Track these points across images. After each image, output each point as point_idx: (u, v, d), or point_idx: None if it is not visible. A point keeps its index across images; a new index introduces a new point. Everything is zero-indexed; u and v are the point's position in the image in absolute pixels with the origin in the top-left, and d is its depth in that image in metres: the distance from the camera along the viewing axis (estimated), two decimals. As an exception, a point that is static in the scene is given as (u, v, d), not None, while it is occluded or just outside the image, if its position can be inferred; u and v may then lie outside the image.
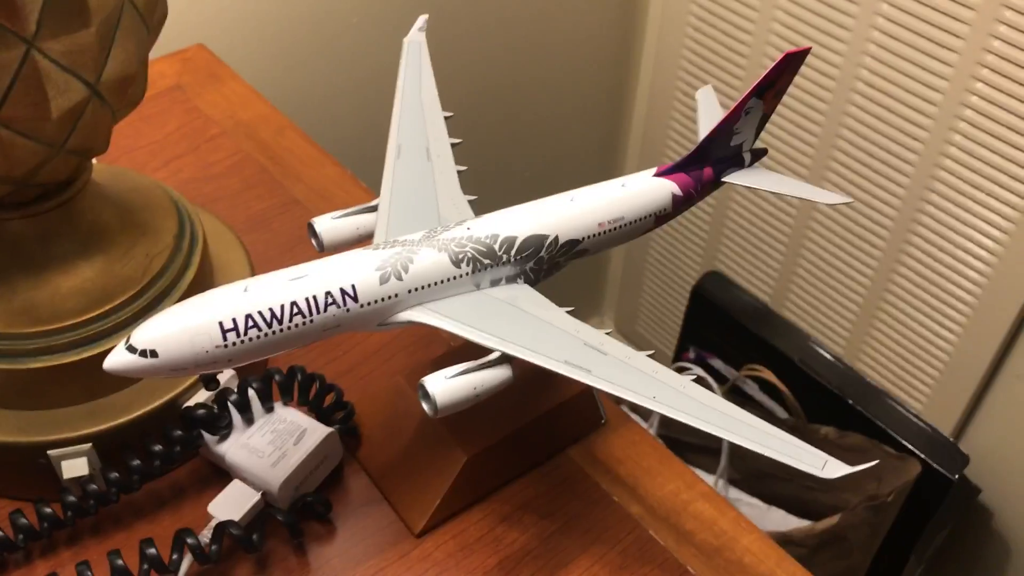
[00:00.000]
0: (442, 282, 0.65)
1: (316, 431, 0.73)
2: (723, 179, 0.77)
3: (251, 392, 0.74)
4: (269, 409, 0.75)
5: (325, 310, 0.61)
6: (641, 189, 0.73)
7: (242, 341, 0.58)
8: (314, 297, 0.60)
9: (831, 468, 0.57)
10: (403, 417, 0.79)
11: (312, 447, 0.72)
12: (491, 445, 0.75)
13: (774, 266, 1.77)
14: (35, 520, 0.69)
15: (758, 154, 0.79)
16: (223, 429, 0.73)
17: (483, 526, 0.74)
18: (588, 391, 0.80)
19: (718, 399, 0.61)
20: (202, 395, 0.74)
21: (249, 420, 0.74)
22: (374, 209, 0.73)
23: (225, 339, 0.58)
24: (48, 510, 0.70)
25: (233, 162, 1.04)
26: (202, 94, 1.14)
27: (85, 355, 0.70)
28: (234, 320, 0.58)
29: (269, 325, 0.59)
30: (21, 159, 0.60)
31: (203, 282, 0.77)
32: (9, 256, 0.69)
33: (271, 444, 0.72)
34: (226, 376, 0.75)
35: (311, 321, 0.60)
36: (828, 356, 1.62)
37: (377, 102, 0.95)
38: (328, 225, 0.71)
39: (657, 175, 0.74)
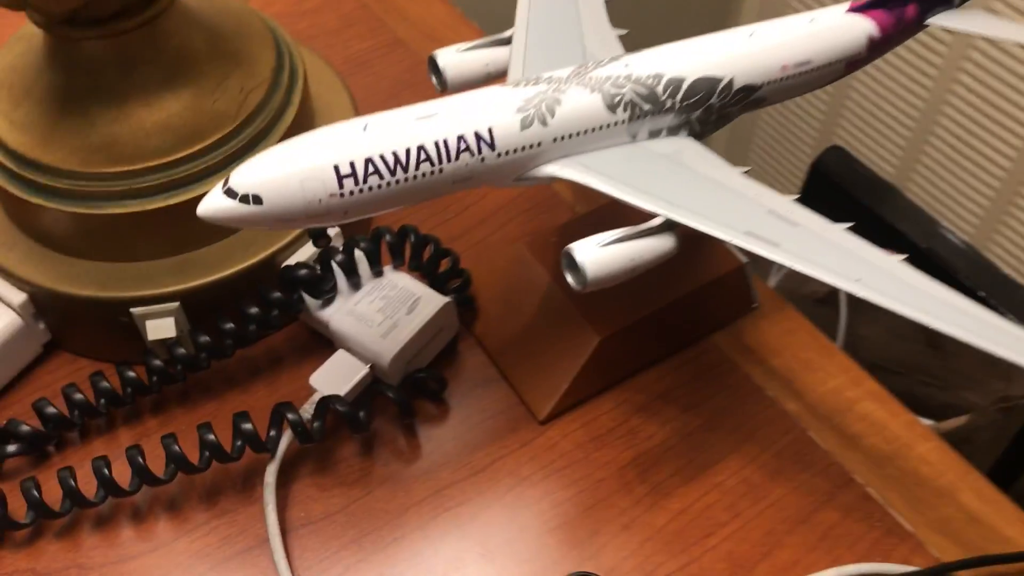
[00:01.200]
0: (594, 130, 0.54)
1: (431, 300, 0.64)
2: (928, 20, 0.63)
3: (358, 253, 0.65)
4: (378, 273, 0.66)
5: (457, 157, 0.50)
6: (833, 27, 0.60)
7: (360, 190, 0.48)
8: (445, 141, 0.50)
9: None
10: (524, 290, 0.69)
11: (427, 318, 0.63)
12: (627, 326, 0.65)
13: (900, 143, 1.62)
14: (118, 384, 0.62)
15: (964, -5, 0.65)
16: (327, 293, 0.64)
17: (616, 416, 0.65)
18: (739, 269, 0.69)
19: (935, 285, 0.50)
20: (303, 253, 0.65)
21: (356, 284, 0.65)
22: (507, 42, 0.61)
23: (342, 186, 0.48)
24: (131, 374, 0.62)
25: (341, 24, 0.92)
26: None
27: (172, 201, 0.61)
28: (352, 164, 0.48)
29: (392, 172, 0.49)
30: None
31: (304, 124, 0.67)
32: (86, 84, 0.60)
33: (381, 312, 0.63)
34: (332, 233, 0.66)
35: (440, 171, 0.50)
36: (958, 243, 1.48)
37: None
38: (453, 59, 0.60)
39: (851, 11, 0.61)
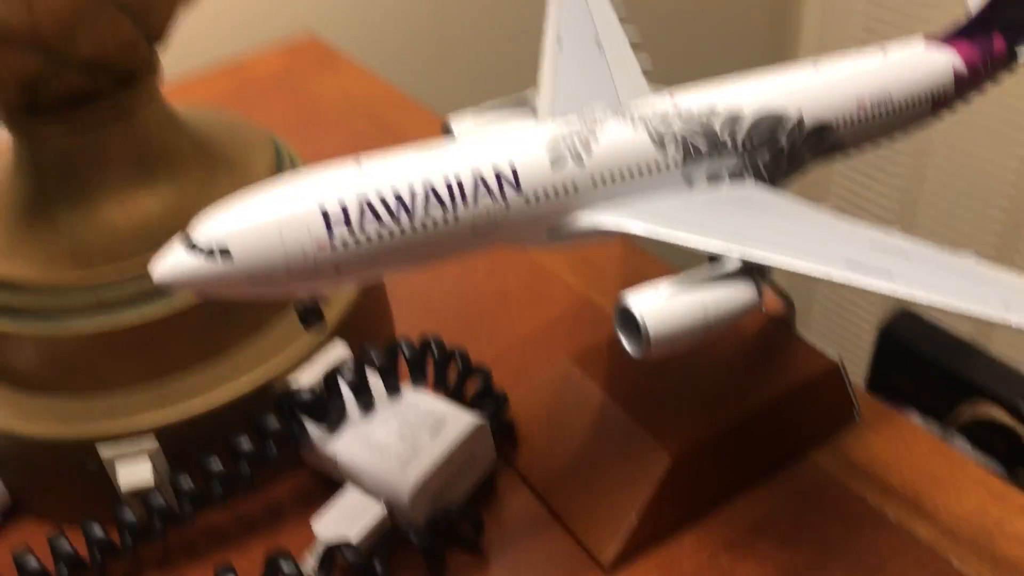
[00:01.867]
0: (640, 171, 0.44)
1: (460, 420, 0.53)
2: (1020, 49, 0.55)
3: (369, 369, 0.54)
4: (395, 393, 0.54)
5: (475, 201, 0.41)
6: (911, 59, 0.52)
7: (356, 241, 0.39)
8: (458, 181, 0.40)
9: None
10: (574, 411, 0.57)
11: (455, 441, 0.51)
12: (704, 441, 0.53)
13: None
14: (84, 548, 0.50)
15: (1059, 27, 0.56)
16: (334, 418, 0.53)
17: (700, 556, 0.51)
18: (834, 370, 0.57)
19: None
20: (307, 376, 0.55)
21: (368, 407, 0.54)
22: (527, 102, 0.53)
23: (331, 235, 0.38)
24: (99, 533, 0.50)
25: (349, 140, 0.87)
26: (313, 78, 0.98)
27: (148, 314, 0.51)
28: (344, 207, 0.39)
29: (394, 216, 0.39)
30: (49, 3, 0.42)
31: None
32: (52, 181, 0.52)
33: (399, 437, 0.52)
34: (338, 351, 0.56)
35: (455, 217, 0.40)
36: (1058, 396, 1.33)
37: (506, 80, 0.76)
38: (469, 127, 0.52)
39: (929, 43, 0.53)
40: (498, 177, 0.41)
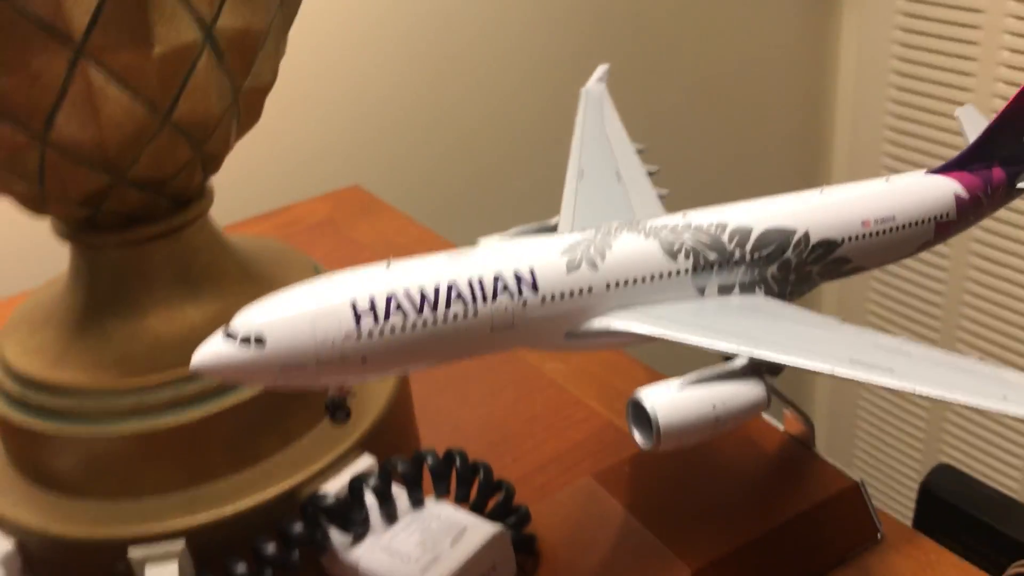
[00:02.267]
0: (652, 278, 0.47)
1: (480, 530, 0.53)
2: (1021, 185, 0.57)
3: (394, 480, 0.55)
4: (418, 503, 0.56)
5: (494, 299, 0.43)
6: (913, 184, 0.55)
7: (381, 331, 0.41)
8: (480, 280, 0.43)
9: None
10: (596, 528, 0.58)
11: (475, 549, 0.52)
12: (724, 556, 0.53)
13: (1017, 452, 1.48)
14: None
15: (1058, 163, 0.59)
16: (358, 526, 0.54)
17: (722, 674, 0.51)
18: (854, 488, 0.57)
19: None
20: (333, 485, 0.56)
21: (391, 516, 0.55)
22: (554, 228, 0.57)
23: (359, 326, 0.41)
24: (124, 636, 0.51)
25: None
26: (355, 226, 1.03)
27: (184, 419, 0.53)
28: (372, 300, 0.41)
29: (419, 311, 0.42)
30: (117, 120, 0.47)
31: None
32: (103, 292, 0.56)
33: (420, 546, 0.53)
34: (364, 463, 0.57)
35: (474, 313, 0.43)
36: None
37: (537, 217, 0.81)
38: (495, 241, 0.55)
39: (930, 173, 0.56)
40: (517, 278, 0.44)
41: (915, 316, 1.52)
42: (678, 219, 0.49)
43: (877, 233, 0.52)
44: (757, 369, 0.43)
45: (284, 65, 0.56)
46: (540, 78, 1.26)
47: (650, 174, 0.62)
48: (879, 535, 0.57)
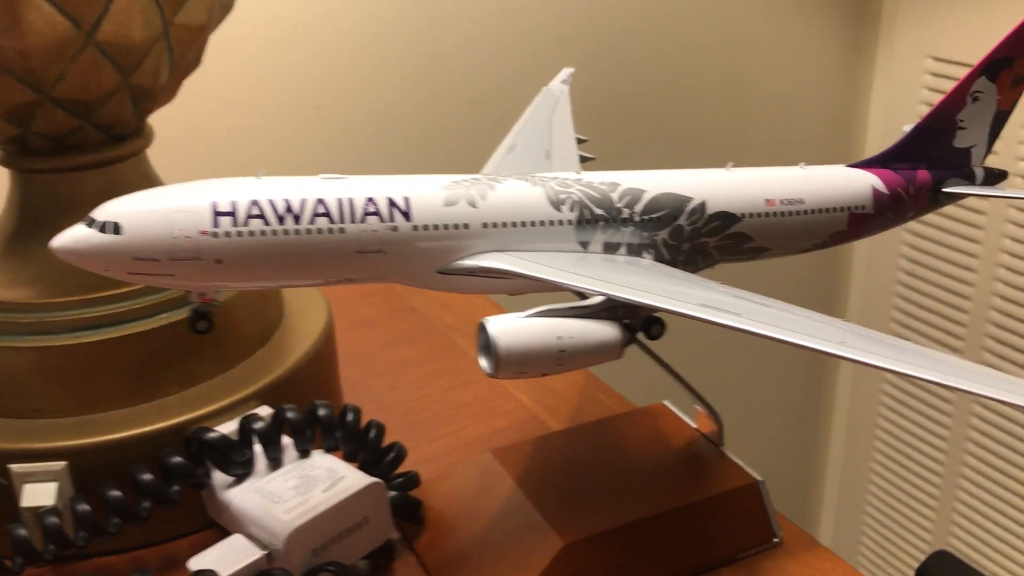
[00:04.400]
0: (533, 224, 0.47)
1: (356, 480, 0.53)
2: (945, 188, 0.56)
3: (283, 426, 0.55)
4: (305, 453, 0.55)
5: (363, 220, 0.44)
6: (829, 173, 0.54)
7: (239, 232, 0.42)
8: (351, 200, 0.44)
9: None
10: (485, 499, 0.56)
11: (345, 496, 0.51)
12: (601, 533, 0.51)
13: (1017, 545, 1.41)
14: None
15: (994, 176, 0.58)
16: (239, 466, 0.54)
17: (580, 650, 0.49)
18: (752, 486, 0.55)
19: (922, 349, 0.38)
20: (225, 428, 0.56)
21: (276, 462, 0.55)
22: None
23: (216, 224, 0.41)
24: (-10, 550, 0.51)
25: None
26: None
27: (82, 340, 0.54)
28: (234, 203, 0.42)
29: (281, 220, 0.42)
30: (39, 28, 0.49)
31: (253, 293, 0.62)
32: (35, 218, 0.58)
33: (294, 490, 0.52)
34: (262, 412, 0.57)
35: (341, 230, 0.43)
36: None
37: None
38: None
39: (851, 166, 0.55)
40: (391, 203, 0.44)
41: (940, 324, 1.46)
42: (571, 175, 0.49)
43: (781, 213, 0.51)
44: (614, 310, 0.43)
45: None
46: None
47: (584, 159, 0.62)
48: (776, 539, 0.55)
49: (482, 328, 0.41)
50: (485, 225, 0.46)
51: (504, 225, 0.46)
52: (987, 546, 1.46)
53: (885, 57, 1.46)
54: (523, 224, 0.46)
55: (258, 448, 0.55)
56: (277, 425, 0.55)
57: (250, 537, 0.51)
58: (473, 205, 0.45)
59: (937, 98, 1.37)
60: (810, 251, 0.54)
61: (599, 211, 0.48)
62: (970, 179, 0.57)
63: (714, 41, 1.31)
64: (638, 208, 0.48)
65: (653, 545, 0.53)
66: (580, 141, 0.64)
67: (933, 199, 0.56)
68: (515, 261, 0.45)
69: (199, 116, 0.97)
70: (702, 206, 0.49)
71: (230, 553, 0.50)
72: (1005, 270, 1.28)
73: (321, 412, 0.56)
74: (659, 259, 0.49)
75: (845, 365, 1.61)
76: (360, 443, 0.56)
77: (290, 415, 0.55)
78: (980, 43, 1.27)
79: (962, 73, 1.32)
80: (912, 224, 1.37)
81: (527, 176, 0.48)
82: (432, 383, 0.73)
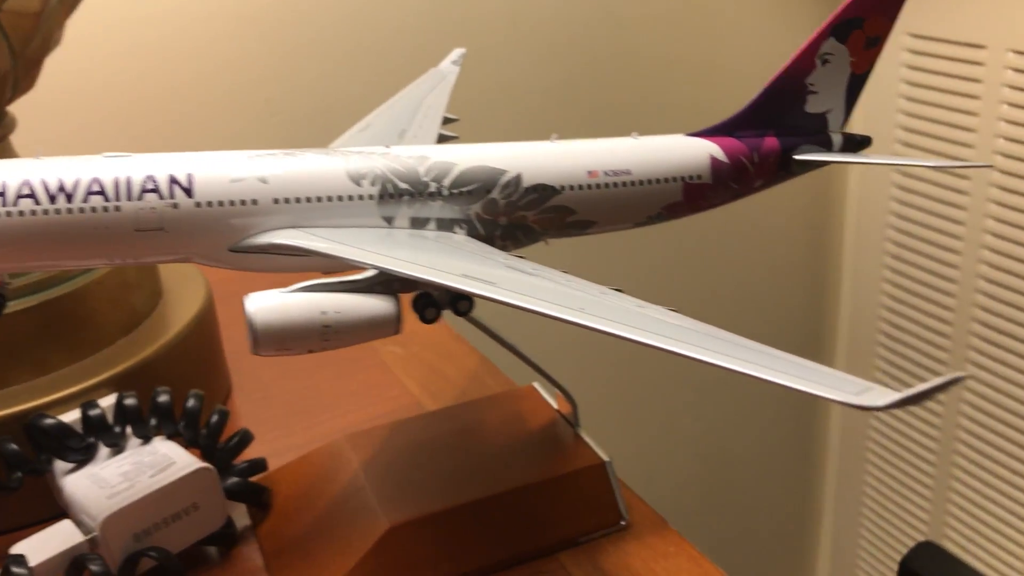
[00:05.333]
0: (330, 199, 0.45)
1: (186, 465, 0.52)
2: (796, 155, 0.54)
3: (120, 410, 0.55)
4: (144, 439, 0.55)
5: (139, 197, 0.43)
6: (661, 143, 0.52)
7: (8, 213, 0.41)
8: (128, 179, 0.43)
9: (874, 396, 0.30)
10: (329, 482, 0.55)
11: (169, 481, 0.51)
12: (431, 515, 0.50)
13: (1004, 542, 1.37)
14: None
15: (856, 142, 0.56)
16: (76, 452, 0.53)
17: (399, 635, 0.47)
18: (599, 467, 0.54)
19: (680, 318, 0.36)
20: (70, 416, 0.56)
21: (117, 448, 0.54)
22: None
23: None
24: None
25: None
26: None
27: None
28: (3, 184, 0.42)
29: (52, 199, 0.42)
30: None
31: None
32: None
33: (123, 476, 0.52)
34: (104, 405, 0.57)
35: (116, 208, 0.42)
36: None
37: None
38: None
39: (690, 135, 0.53)
40: (172, 180, 0.43)
41: (921, 373, 1.43)
42: (379, 148, 0.48)
43: (606, 185, 0.49)
44: (389, 284, 0.42)
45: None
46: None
47: (446, 138, 0.60)
48: (623, 521, 0.53)
49: (245, 307, 0.41)
50: (276, 201, 0.45)
51: (298, 200, 0.45)
52: (985, 539, 1.41)
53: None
54: (318, 199, 0.45)
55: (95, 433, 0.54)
56: (121, 412, 0.54)
57: (78, 523, 0.51)
58: (264, 181, 0.45)
59: (917, 76, 1.35)
60: (646, 225, 0.52)
61: (403, 185, 0.46)
62: (826, 145, 0.54)
63: (684, 18, 1.29)
64: (446, 182, 0.47)
65: (487, 527, 0.51)
66: (449, 120, 0.63)
67: (783, 167, 0.54)
68: (304, 237, 0.44)
69: (152, 110, 0.98)
70: (517, 179, 0.48)
71: (53, 538, 0.50)
72: (990, 251, 1.24)
73: (160, 399, 0.55)
74: (474, 234, 0.48)
75: (839, 355, 1.57)
76: (198, 429, 0.56)
77: (128, 402, 0.55)
78: (957, 19, 1.25)
79: (941, 50, 1.29)
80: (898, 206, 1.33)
81: (331, 151, 0.47)
82: (321, 371, 0.72)
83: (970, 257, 1.27)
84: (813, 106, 0.54)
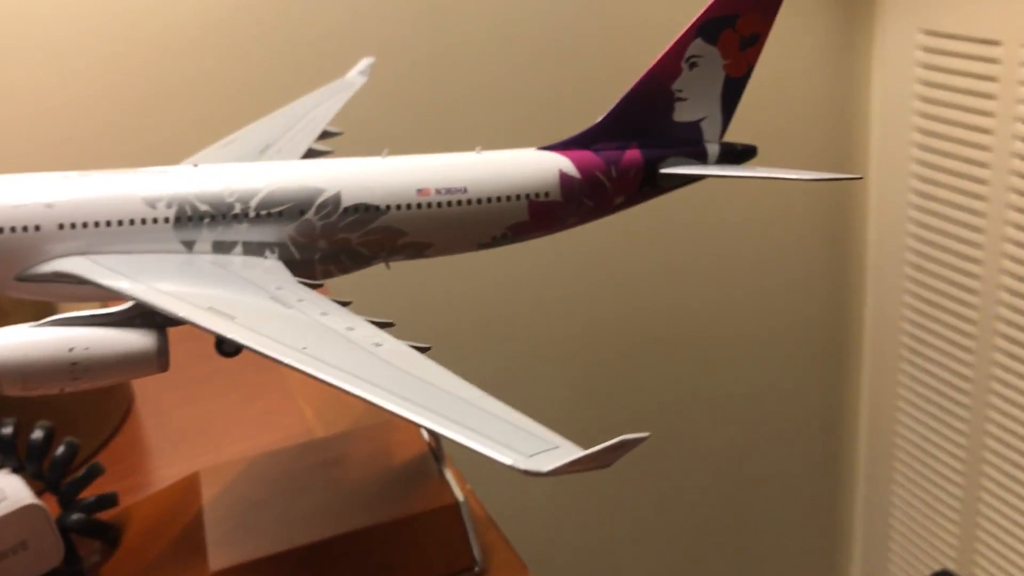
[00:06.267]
0: (121, 224, 0.42)
1: (14, 502, 0.50)
2: (664, 169, 0.49)
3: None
4: (-16, 472, 0.52)
5: None
6: (504, 159, 0.48)
7: None
8: None
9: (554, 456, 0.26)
10: (173, 520, 0.53)
11: (-10, 517, 0.48)
12: (258, 559, 0.47)
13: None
14: None
15: (736, 153, 0.51)
16: (-90, 487, 0.51)
17: None
18: (452, 507, 0.50)
19: (417, 357, 0.32)
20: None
21: (-48, 483, 0.52)
22: None
23: None
24: None
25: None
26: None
27: None
28: None
29: None
30: None
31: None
32: None
33: (-51, 512, 0.49)
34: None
35: None
36: None
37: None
38: None
39: (541, 149, 0.49)
40: None
41: (944, 404, 1.35)
42: (188, 168, 0.45)
43: (439, 204, 0.45)
44: (151, 316, 0.38)
45: None
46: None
47: (314, 152, 0.57)
48: (476, 567, 0.49)
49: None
50: (62, 226, 0.42)
51: (85, 226, 0.42)
52: (1009, 563, 1.33)
53: (878, 33, 1.35)
54: (107, 224, 0.42)
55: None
56: (-37, 445, 0.52)
57: (-100, 562, 0.49)
58: (49, 206, 0.42)
59: (931, 75, 1.28)
60: (492, 247, 0.48)
61: (204, 207, 0.43)
62: (700, 157, 0.50)
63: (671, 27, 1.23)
64: (253, 203, 0.44)
65: (324, 571, 0.48)
66: (330, 135, 0.60)
67: (648, 182, 0.49)
68: (83, 265, 0.41)
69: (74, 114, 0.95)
70: (336, 198, 0.44)
71: None
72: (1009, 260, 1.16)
73: (3, 431, 0.53)
74: (288, 259, 0.44)
75: (864, 374, 1.50)
76: (42, 463, 0.53)
77: (-31, 435, 0.52)
78: (972, 14, 1.17)
79: (955, 47, 1.22)
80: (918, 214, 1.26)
81: (131, 171, 0.45)
82: (225, 397, 0.69)
83: (991, 267, 1.19)
84: (682, 114, 0.49)
